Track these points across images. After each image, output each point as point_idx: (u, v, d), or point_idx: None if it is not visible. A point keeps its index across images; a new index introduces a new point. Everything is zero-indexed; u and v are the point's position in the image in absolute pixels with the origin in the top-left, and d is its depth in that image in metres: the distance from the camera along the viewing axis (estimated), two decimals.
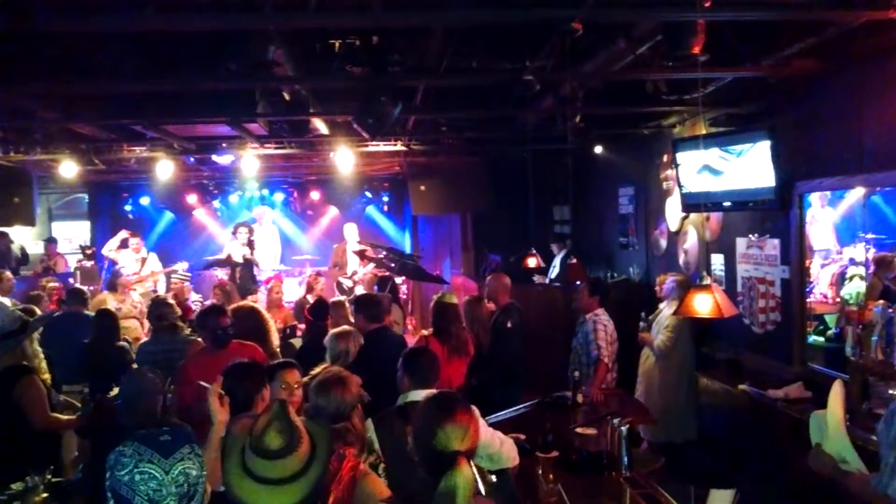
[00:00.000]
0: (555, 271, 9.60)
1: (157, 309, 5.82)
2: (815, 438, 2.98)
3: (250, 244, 10.26)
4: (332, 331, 4.92)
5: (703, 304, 3.45)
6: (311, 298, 7.56)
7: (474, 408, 3.59)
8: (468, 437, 2.47)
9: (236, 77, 5.49)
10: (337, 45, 5.34)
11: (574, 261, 6.42)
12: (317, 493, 2.34)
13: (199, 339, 5.54)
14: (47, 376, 4.53)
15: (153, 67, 5.49)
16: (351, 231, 10.70)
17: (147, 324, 7.38)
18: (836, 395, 2.89)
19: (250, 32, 4.88)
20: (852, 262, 6.54)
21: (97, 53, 5.25)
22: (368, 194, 13.52)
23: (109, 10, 4.00)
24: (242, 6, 4.12)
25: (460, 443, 2.43)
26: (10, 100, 6.15)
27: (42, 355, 4.64)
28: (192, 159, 9.57)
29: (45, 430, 4.36)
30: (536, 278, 9.31)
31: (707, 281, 3.61)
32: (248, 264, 10.10)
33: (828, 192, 6.13)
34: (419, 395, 3.51)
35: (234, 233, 10.45)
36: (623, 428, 3.90)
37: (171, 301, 6.09)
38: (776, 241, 6.03)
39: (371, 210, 14.11)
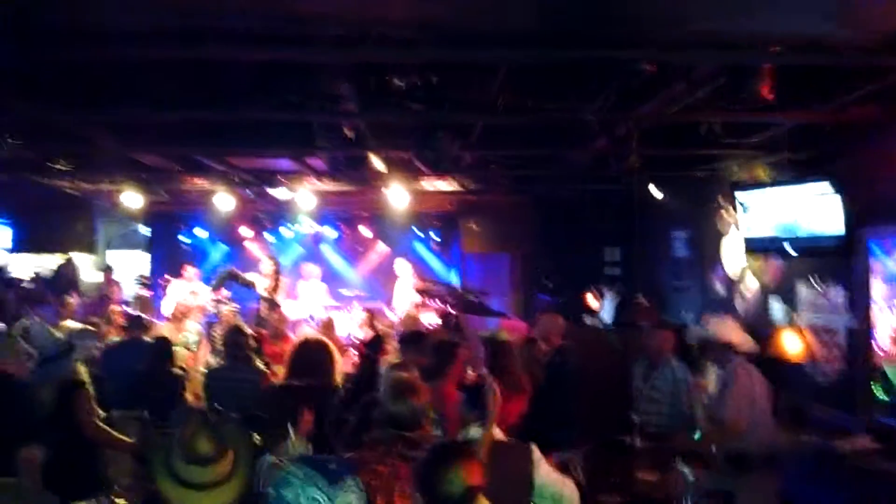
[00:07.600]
0: (606, 313, 9.47)
1: (234, 337, 5.72)
2: None
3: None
4: (393, 363, 4.74)
5: (793, 345, 3.35)
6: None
7: (535, 446, 3.55)
8: (477, 474, 2.49)
9: (299, 109, 5.59)
10: (394, 81, 5.42)
11: (646, 302, 6.32)
12: (247, 494, 2.47)
13: (269, 372, 5.59)
14: None
15: (217, 97, 5.58)
16: (403, 267, 10.72)
17: (202, 354, 7.48)
18: None
19: (317, 65, 4.97)
20: None
21: (162, 82, 5.38)
22: (417, 231, 13.56)
23: (173, 39, 4.09)
24: (301, 39, 4.21)
25: (472, 479, 2.46)
26: (76, 128, 6.31)
27: (88, 378, 4.85)
28: (249, 192, 9.75)
29: (95, 440, 4.68)
30: (588, 319, 9.19)
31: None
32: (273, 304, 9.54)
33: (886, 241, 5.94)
34: (479, 431, 3.48)
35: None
36: (686, 470, 3.80)
37: (249, 331, 5.95)
38: (840, 289, 5.86)
39: (419, 247, 14.15)
